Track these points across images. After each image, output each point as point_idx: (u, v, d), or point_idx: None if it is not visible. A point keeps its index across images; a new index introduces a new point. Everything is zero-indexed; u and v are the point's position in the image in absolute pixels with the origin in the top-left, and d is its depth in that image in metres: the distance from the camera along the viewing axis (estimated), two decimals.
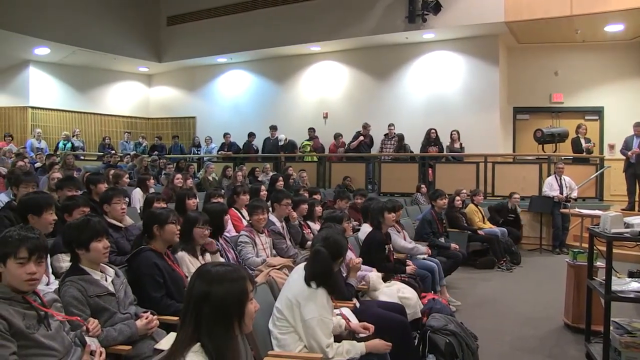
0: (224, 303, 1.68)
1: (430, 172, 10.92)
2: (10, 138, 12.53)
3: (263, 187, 6.99)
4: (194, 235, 3.62)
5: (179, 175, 8.00)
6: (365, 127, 12.02)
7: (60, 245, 3.41)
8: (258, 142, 13.51)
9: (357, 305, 3.77)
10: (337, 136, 12.42)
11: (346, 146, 12.20)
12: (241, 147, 13.54)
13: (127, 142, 14.44)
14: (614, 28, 10.59)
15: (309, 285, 2.83)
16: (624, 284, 3.89)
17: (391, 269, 4.79)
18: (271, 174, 10.71)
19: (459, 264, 6.58)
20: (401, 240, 5.66)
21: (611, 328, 3.77)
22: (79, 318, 2.41)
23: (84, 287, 2.58)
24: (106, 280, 2.72)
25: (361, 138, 11.91)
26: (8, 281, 2.15)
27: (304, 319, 2.73)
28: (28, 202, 3.56)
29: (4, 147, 11.51)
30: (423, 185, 10.17)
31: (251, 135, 13.45)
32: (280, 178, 8.89)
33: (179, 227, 3.42)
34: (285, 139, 12.93)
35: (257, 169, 10.95)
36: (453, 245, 6.62)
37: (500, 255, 7.92)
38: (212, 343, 1.64)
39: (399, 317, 3.66)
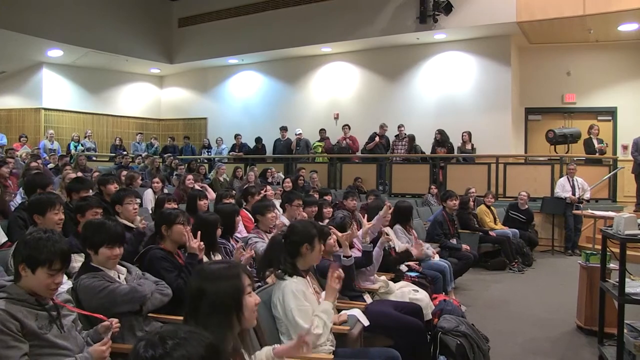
0: (218, 299, 1.74)
1: (440, 173, 10.86)
2: (26, 139, 12.67)
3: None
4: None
5: (190, 176, 8.04)
6: (382, 127, 12.01)
7: (72, 245, 3.44)
8: (269, 143, 13.54)
9: (369, 300, 3.79)
10: (344, 127, 12.46)
11: (363, 147, 12.18)
12: (252, 148, 13.55)
13: (138, 143, 14.51)
14: (628, 27, 10.48)
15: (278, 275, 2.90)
16: (637, 286, 3.85)
17: (393, 263, 4.78)
18: (277, 175, 10.72)
19: (470, 265, 6.58)
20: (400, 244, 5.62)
21: (625, 331, 3.74)
22: (100, 315, 2.42)
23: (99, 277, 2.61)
24: (119, 277, 2.74)
25: (377, 139, 11.90)
26: (29, 285, 2.15)
27: (286, 313, 2.78)
28: (32, 203, 3.65)
29: (18, 148, 11.65)
30: (434, 186, 10.13)
31: (258, 140, 13.45)
32: (288, 180, 8.90)
33: (188, 229, 3.42)
34: (300, 134, 12.95)
35: (269, 171, 10.99)
36: (464, 246, 6.59)
37: (512, 257, 7.87)
38: None
39: (414, 320, 3.66)
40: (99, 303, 2.53)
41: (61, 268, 2.18)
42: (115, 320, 2.38)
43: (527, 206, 8.99)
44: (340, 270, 2.88)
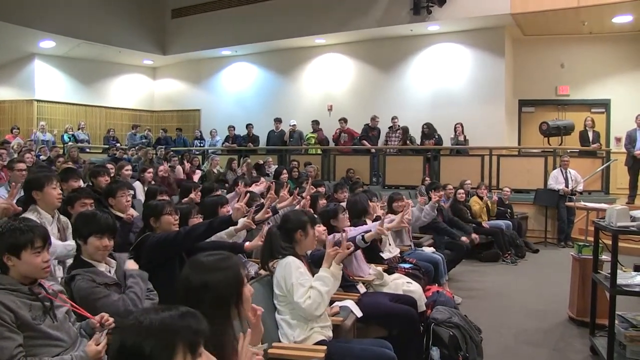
0: (221, 290, 1.75)
1: (427, 165, 10.81)
2: (18, 131, 12.58)
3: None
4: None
5: (162, 167, 8.00)
6: (374, 119, 12.01)
7: None
8: (262, 135, 13.50)
9: (363, 290, 3.80)
10: (341, 120, 12.39)
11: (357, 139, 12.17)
12: (242, 137, 13.56)
13: (134, 134, 14.43)
14: (622, 19, 10.46)
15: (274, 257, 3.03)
16: (629, 278, 3.88)
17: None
18: (274, 167, 10.71)
19: (463, 255, 6.59)
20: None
21: (616, 322, 3.77)
22: (87, 313, 2.41)
23: (92, 279, 2.60)
24: (110, 272, 2.73)
25: (368, 144, 11.87)
26: (21, 272, 2.16)
27: (287, 287, 2.87)
28: (30, 180, 3.62)
29: (11, 140, 11.56)
30: (427, 178, 10.13)
31: (249, 126, 13.49)
32: (285, 170, 8.90)
33: (176, 217, 3.46)
34: (294, 126, 12.93)
35: (262, 163, 10.99)
36: (464, 239, 6.57)
37: (505, 249, 7.91)
38: (211, 329, 1.66)
39: (407, 307, 3.68)
40: (90, 306, 2.52)
41: (43, 245, 2.22)
42: (106, 316, 2.37)
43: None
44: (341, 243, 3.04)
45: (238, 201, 3.44)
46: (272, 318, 2.91)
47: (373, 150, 11.75)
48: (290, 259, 2.97)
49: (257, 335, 1.90)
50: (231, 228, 3.64)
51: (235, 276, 1.80)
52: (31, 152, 9.32)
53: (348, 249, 3.08)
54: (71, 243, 3.19)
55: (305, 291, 2.85)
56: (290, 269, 2.91)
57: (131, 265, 2.80)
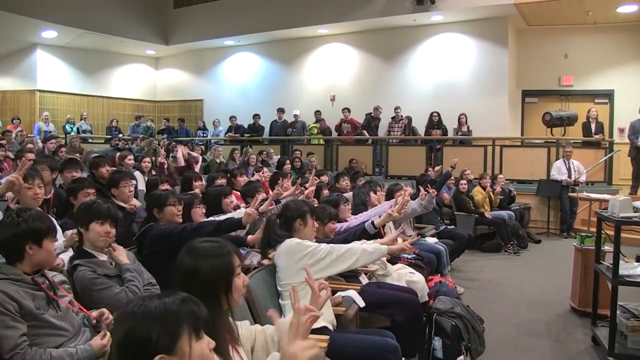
0: (209, 277, 1.74)
1: (432, 156, 10.80)
2: (19, 121, 12.58)
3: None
4: (193, 216, 3.68)
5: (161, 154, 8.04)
6: (377, 109, 11.97)
7: (67, 225, 3.44)
8: (265, 125, 13.47)
9: (365, 281, 3.81)
10: (344, 110, 12.34)
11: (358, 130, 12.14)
12: (247, 127, 13.56)
13: (137, 125, 14.41)
14: (627, 9, 10.37)
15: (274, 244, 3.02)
16: (631, 268, 3.89)
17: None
18: (275, 157, 10.69)
19: (465, 244, 6.57)
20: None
21: (618, 312, 3.78)
22: (85, 310, 2.41)
23: (94, 269, 2.61)
24: (112, 263, 2.74)
25: (367, 137, 11.84)
26: (36, 261, 2.20)
27: (302, 267, 2.76)
28: None
29: (12, 130, 11.56)
30: (430, 169, 10.11)
31: (256, 116, 13.48)
32: (287, 161, 8.90)
33: (179, 208, 3.45)
34: (298, 116, 12.92)
35: (264, 153, 10.99)
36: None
37: (507, 239, 7.92)
38: None
39: (410, 296, 3.70)
40: (92, 297, 2.53)
41: (55, 235, 2.31)
42: (106, 313, 2.39)
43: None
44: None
45: (250, 206, 3.42)
46: (276, 304, 2.91)
47: (369, 142, 11.75)
48: (288, 240, 2.95)
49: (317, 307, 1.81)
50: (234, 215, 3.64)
51: (224, 265, 1.78)
52: (52, 141, 9.38)
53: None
54: None
55: (329, 247, 2.89)
56: (295, 247, 2.89)
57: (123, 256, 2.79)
